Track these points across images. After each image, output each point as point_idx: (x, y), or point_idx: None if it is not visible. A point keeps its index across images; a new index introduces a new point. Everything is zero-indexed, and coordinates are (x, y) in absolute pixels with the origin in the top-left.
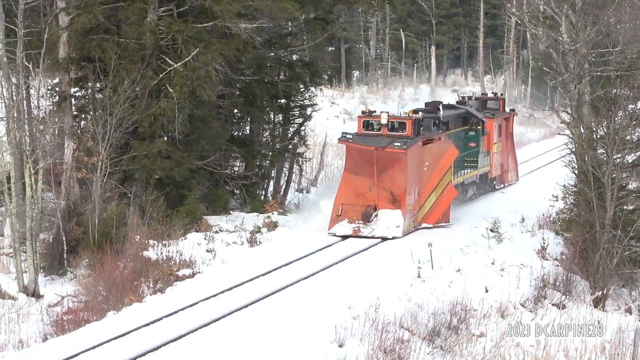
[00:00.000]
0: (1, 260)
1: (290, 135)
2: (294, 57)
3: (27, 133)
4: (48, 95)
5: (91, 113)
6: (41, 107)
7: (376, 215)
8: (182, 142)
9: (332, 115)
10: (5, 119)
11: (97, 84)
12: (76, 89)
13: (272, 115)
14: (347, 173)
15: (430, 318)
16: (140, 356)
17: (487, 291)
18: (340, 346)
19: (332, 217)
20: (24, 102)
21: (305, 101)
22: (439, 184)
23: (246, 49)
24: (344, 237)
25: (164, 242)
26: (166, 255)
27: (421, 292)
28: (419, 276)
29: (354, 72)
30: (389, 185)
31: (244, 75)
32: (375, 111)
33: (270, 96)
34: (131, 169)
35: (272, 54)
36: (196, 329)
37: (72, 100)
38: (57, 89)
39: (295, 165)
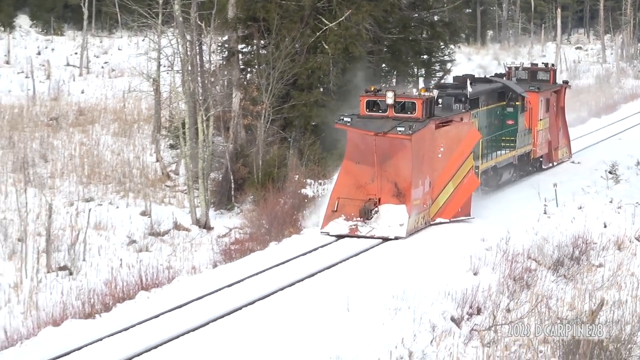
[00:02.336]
0: (177, 197)
1: (431, 86)
2: (435, 17)
3: (200, 84)
4: (218, 51)
5: (256, 67)
6: (212, 62)
7: (377, 212)
8: (336, 93)
9: (469, 69)
10: (180, 71)
11: (262, 41)
12: (243, 45)
13: (415, 70)
14: (348, 161)
15: (554, 250)
16: (299, 281)
17: (605, 226)
18: (475, 274)
19: (327, 213)
20: (197, 57)
21: (444, 57)
22: (458, 172)
23: (393, 10)
24: (339, 237)
25: (319, 181)
26: (321, 193)
27: (547, 227)
28: (545, 213)
29: (488, 31)
30: (392, 176)
31: (391, 33)
32: (380, 89)
33: (414, 53)
34: (291, 116)
35: (415, 15)
36: (347, 258)
37: (239, 55)
38: (226, 45)
39: None
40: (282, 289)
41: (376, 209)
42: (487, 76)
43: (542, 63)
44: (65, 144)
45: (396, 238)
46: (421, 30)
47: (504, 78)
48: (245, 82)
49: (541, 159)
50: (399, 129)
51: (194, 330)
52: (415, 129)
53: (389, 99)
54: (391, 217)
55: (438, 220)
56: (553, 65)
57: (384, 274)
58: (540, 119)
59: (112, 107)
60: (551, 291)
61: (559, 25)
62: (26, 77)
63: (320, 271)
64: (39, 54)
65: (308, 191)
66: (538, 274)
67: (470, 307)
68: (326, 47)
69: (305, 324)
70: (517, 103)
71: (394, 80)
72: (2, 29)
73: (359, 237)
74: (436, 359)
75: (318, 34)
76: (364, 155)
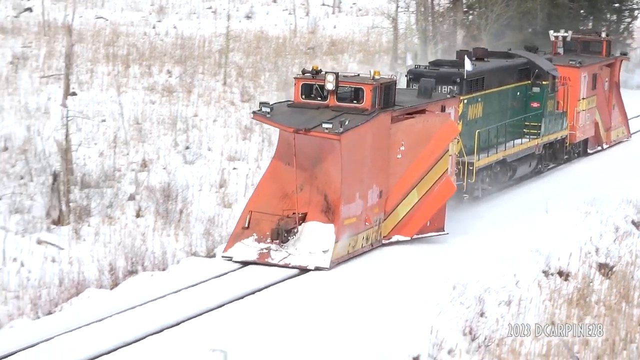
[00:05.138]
0: None
1: (621, 29)
2: None
3: (430, 23)
4: None
5: (477, 10)
6: (440, 5)
7: (295, 232)
8: (542, 33)
9: None
10: (415, 12)
11: None
12: None
13: (608, 15)
14: (276, 161)
15: None
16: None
17: None
18: None
19: (235, 231)
20: (429, 0)
21: (633, 5)
22: (426, 176)
23: None
24: (245, 264)
25: None
26: None
27: None
28: None
29: None
30: (322, 186)
31: None
32: (320, 71)
33: (607, 1)
34: None
35: None
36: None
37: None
38: None
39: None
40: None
41: (296, 227)
42: (509, 51)
43: (595, 33)
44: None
45: (317, 269)
46: None
47: (545, 53)
48: (467, 22)
49: (585, 144)
50: (325, 125)
51: None
52: (349, 125)
53: (329, 83)
54: (315, 239)
55: (395, 238)
56: (608, 35)
57: (578, 184)
58: (583, 98)
59: (358, 40)
60: None
61: None
62: (289, 13)
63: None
64: None
65: None
66: None
67: None
68: None
69: (513, 223)
70: (544, 82)
71: (590, 24)
72: None
73: (269, 265)
74: (618, 255)
75: None
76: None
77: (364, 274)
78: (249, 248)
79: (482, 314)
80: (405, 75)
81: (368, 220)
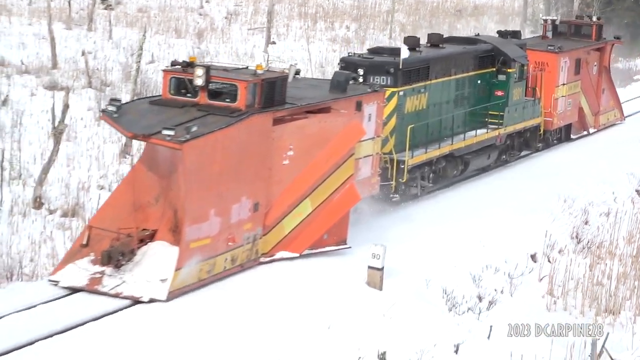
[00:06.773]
0: None
1: None
2: None
3: None
4: None
5: None
6: None
7: (132, 256)
8: None
9: None
10: None
11: None
12: None
13: None
14: (139, 166)
15: None
16: None
17: None
18: None
19: (71, 249)
20: None
21: None
22: (323, 184)
23: None
24: (74, 291)
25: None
26: None
27: None
28: None
29: None
30: (174, 200)
31: None
32: (191, 63)
33: None
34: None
35: None
36: None
37: None
38: None
39: None
40: None
41: (134, 250)
42: (477, 36)
43: (587, 16)
44: (465, 28)
45: (151, 301)
46: None
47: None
48: None
49: (567, 130)
50: (165, 132)
51: None
52: (198, 132)
53: (198, 78)
54: (156, 265)
55: (280, 254)
56: (599, 19)
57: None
58: (563, 84)
59: (496, 4)
60: None
61: None
62: None
63: None
64: None
65: None
66: None
67: None
68: None
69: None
70: (509, 70)
71: None
72: None
73: (99, 293)
74: None
75: None
76: (156, 160)
77: None
78: (80, 271)
79: (586, 222)
80: (338, 64)
81: (232, 239)
